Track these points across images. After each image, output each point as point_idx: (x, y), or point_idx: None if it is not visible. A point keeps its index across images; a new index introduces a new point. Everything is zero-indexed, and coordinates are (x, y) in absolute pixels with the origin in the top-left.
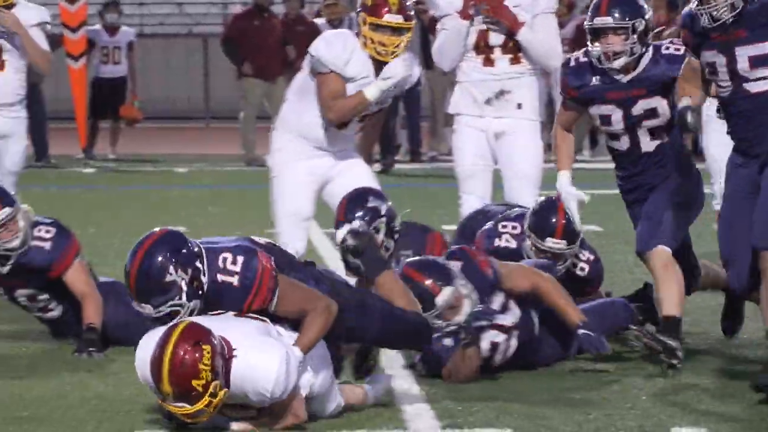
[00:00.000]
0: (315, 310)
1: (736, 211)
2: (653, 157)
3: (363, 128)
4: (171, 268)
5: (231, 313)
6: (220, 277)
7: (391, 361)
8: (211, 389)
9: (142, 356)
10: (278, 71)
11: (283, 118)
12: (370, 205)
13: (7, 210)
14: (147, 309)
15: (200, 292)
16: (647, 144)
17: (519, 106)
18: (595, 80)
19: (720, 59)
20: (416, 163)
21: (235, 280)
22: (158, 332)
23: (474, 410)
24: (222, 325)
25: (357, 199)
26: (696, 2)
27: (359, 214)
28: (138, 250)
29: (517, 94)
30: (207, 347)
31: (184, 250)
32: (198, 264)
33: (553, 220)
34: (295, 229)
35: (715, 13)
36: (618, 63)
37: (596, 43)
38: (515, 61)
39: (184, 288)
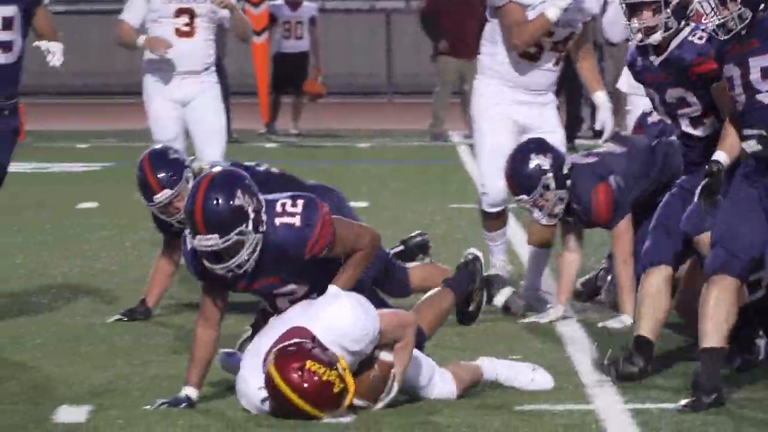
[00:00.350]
0: (361, 249)
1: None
2: (706, 145)
3: (560, 60)
4: (239, 192)
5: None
6: (279, 221)
7: (574, 338)
8: (344, 375)
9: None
10: (474, 49)
11: (481, 63)
12: (533, 163)
13: (167, 192)
14: (212, 240)
15: (261, 228)
16: (692, 132)
17: None
18: (639, 61)
19: (736, 72)
20: (599, 139)
21: (297, 221)
22: (250, 380)
23: (653, 383)
24: (281, 328)
25: (519, 159)
26: (709, 15)
27: (526, 175)
28: (201, 183)
29: None
30: (306, 361)
31: (246, 181)
32: (261, 197)
33: None
34: (495, 167)
35: (727, 24)
36: (654, 38)
37: (633, 19)
38: None
39: (251, 215)
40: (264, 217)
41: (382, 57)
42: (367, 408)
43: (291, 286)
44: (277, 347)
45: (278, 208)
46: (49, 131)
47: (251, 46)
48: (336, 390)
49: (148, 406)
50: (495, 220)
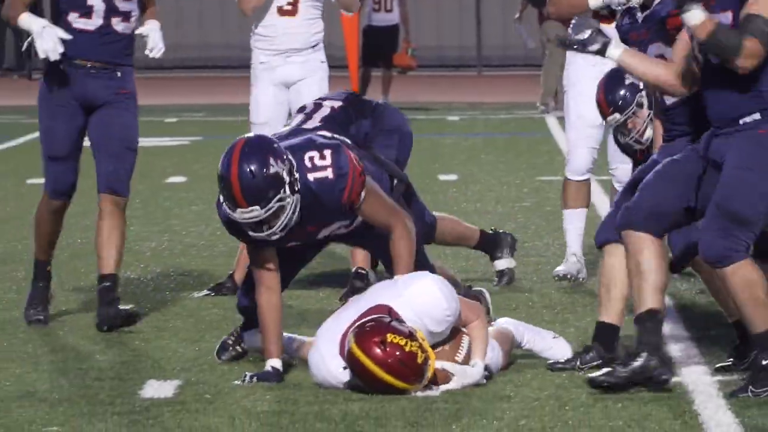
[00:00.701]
0: (397, 229)
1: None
2: (680, 112)
3: None
4: (271, 159)
5: (353, 300)
6: (312, 176)
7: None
8: (425, 346)
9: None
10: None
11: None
12: (627, 82)
13: None
14: (255, 212)
15: (296, 187)
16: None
17: None
18: (626, 20)
19: None
20: None
21: (329, 173)
22: (325, 358)
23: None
24: (360, 307)
25: (614, 79)
26: None
27: (621, 93)
28: (232, 155)
29: None
30: (386, 335)
31: (275, 145)
32: (290, 157)
33: None
34: (580, 136)
35: None
36: None
37: None
38: None
39: (287, 179)
40: (296, 176)
41: (472, 29)
42: (447, 380)
43: (333, 226)
44: (355, 326)
45: (308, 164)
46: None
47: (341, 19)
48: (419, 360)
49: (236, 381)
50: (576, 193)
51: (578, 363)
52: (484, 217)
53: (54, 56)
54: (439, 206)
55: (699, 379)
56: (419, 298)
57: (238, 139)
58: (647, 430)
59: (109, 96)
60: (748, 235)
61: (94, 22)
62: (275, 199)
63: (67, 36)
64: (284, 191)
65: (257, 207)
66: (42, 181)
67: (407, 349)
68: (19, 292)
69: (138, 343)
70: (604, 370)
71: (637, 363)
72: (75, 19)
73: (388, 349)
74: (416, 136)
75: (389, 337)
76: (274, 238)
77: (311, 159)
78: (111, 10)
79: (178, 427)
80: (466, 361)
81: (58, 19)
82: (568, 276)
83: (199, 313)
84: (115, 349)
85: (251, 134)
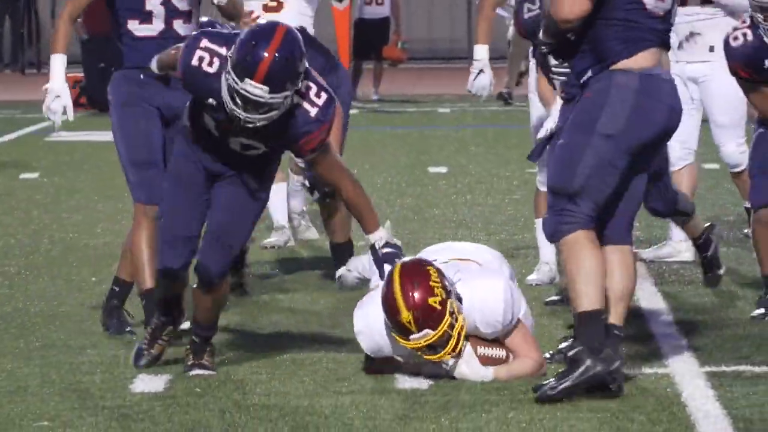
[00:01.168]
0: (346, 187)
1: None
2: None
3: None
4: (303, 59)
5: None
6: (300, 101)
7: (650, 302)
8: (449, 307)
9: (363, 324)
10: None
11: None
12: None
13: None
14: (261, 91)
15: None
16: None
17: (711, 48)
18: None
19: None
20: None
21: (313, 112)
22: (369, 306)
23: (728, 347)
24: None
25: None
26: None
27: None
28: (275, 33)
29: (709, 36)
30: (431, 267)
31: (305, 49)
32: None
33: None
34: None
35: None
36: None
37: None
38: (706, 1)
39: (299, 84)
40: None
41: (463, 22)
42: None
43: (258, 148)
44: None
45: (302, 88)
46: None
47: (332, 12)
48: (433, 303)
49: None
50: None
51: (566, 355)
52: (474, 209)
53: (56, 126)
54: (429, 198)
55: (686, 371)
56: (481, 293)
57: (277, 23)
58: (635, 422)
59: (182, 104)
60: (583, 206)
61: (155, 27)
62: (284, 94)
63: (71, 114)
64: (293, 91)
65: (267, 89)
66: (35, 175)
67: (434, 290)
68: (11, 287)
69: (129, 337)
70: (547, 383)
71: (579, 371)
72: (136, 27)
73: (417, 277)
74: (407, 128)
75: (431, 271)
76: (247, 125)
77: (308, 88)
78: (171, 12)
79: (168, 421)
80: (485, 361)
81: (118, 28)
82: (542, 285)
83: (189, 306)
84: (106, 344)
85: (287, 24)
